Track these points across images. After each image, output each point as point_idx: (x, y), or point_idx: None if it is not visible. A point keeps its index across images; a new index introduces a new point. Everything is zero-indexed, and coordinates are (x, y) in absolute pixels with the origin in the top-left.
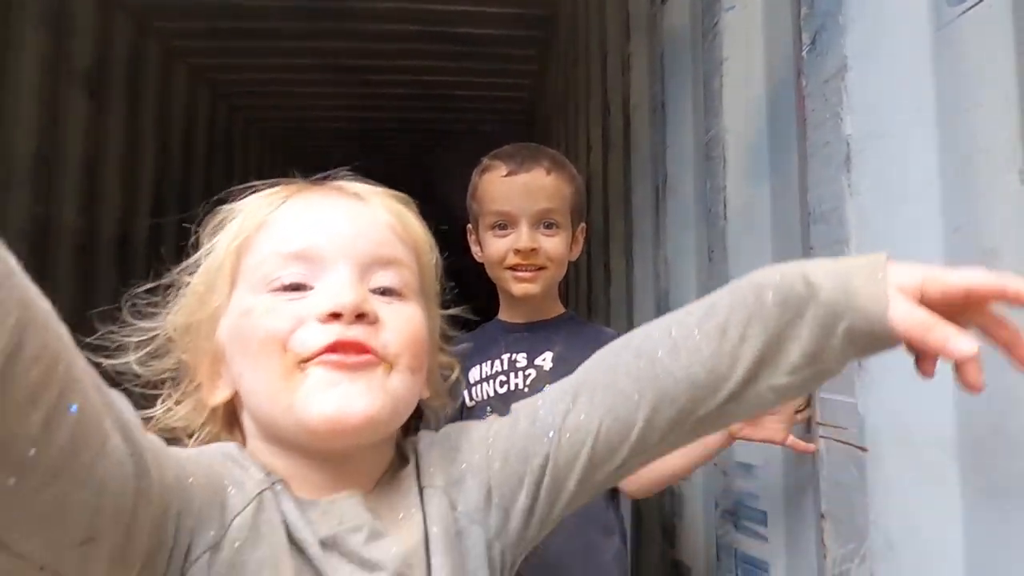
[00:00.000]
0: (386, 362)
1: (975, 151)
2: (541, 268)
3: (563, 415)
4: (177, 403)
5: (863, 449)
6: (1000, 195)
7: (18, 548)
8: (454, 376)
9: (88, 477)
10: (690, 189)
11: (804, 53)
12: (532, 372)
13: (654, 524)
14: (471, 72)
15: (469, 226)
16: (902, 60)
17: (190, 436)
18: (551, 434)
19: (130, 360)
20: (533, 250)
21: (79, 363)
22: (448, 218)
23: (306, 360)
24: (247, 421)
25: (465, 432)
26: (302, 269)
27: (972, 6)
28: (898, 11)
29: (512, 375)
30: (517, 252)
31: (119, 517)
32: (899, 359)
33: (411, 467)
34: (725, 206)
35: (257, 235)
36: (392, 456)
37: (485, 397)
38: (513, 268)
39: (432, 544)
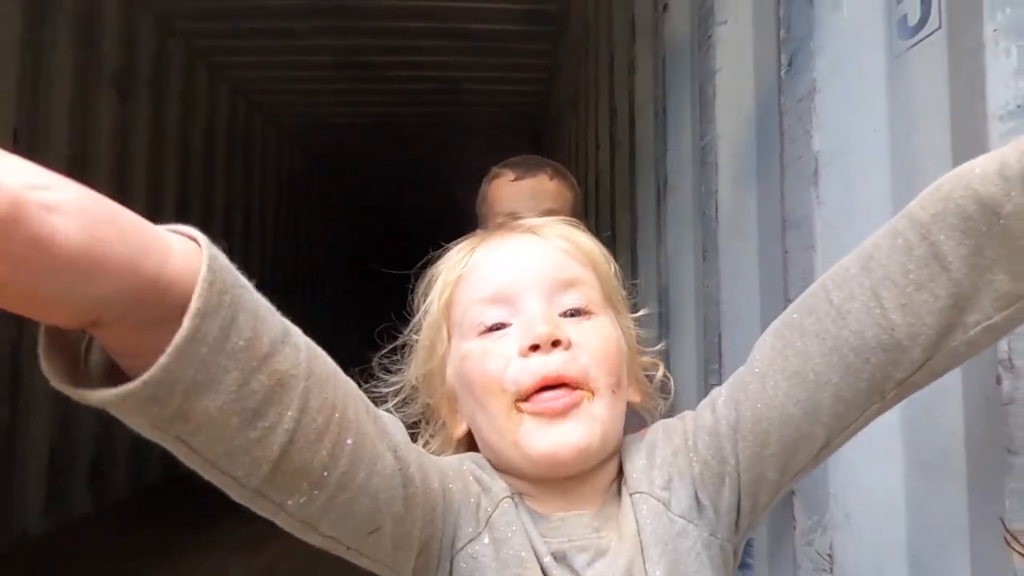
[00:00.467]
0: (587, 389)
1: (917, 171)
2: None
3: (737, 408)
4: (431, 437)
5: None
6: None
7: (328, 533)
8: (660, 374)
9: (365, 488)
10: (688, 190)
11: (783, 73)
12: None
13: None
14: (485, 67)
15: (478, 231)
16: (863, 84)
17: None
18: (732, 431)
19: (390, 407)
20: None
21: (352, 405)
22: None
23: (521, 399)
24: (484, 448)
25: (666, 434)
26: (500, 310)
27: (918, 41)
28: (860, 40)
29: None
30: None
31: (393, 516)
32: None
33: (619, 476)
34: (717, 209)
35: (457, 289)
36: (617, 468)
37: None
38: None
39: (646, 551)
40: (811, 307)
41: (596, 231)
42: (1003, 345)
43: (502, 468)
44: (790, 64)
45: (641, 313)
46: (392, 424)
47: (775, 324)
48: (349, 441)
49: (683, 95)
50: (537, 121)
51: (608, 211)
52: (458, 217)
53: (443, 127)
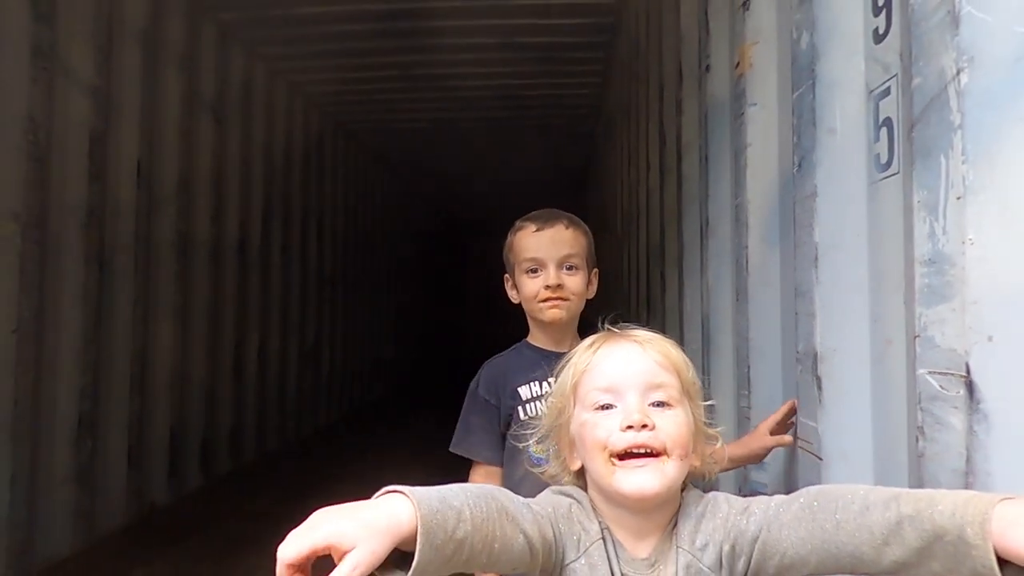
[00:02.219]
0: (665, 454)
1: (882, 274)
2: (566, 299)
3: (767, 528)
4: (558, 465)
5: (819, 458)
6: (893, 306)
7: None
8: (719, 444)
9: (507, 560)
10: (727, 236)
11: (794, 171)
12: None
13: None
14: (541, 75)
15: (506, 275)
16: (849, 197)
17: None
18: (752, 542)
19: (530, 444)
20: (559, 285)
21: (499, 524)
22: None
23: (615, 456)
24: (589, 480)
25: (713, 510)
26: (610, 396)
27: (885, 177)
28: (848, 162)
29: None
30: (547, 288)
31: (525, 565)
32: (846, 401)
33: (675, 525)
34: (747, 261)
35: (583, 376)
36: (674, 514)
37: (537, 414)
38: (544, 301)
39: None
40: (833, 508)
41: (648, 246)
42: (919, 418)
43: (601, 495)
44: (799, 166)
45: (709, 403)
46: (520, 511)
47: (810, 498)
48: (496, 545)
49: (723, 150)
50: (591, 122)
51: (658, 229)
52: (509, 213)
53: (501, 130)
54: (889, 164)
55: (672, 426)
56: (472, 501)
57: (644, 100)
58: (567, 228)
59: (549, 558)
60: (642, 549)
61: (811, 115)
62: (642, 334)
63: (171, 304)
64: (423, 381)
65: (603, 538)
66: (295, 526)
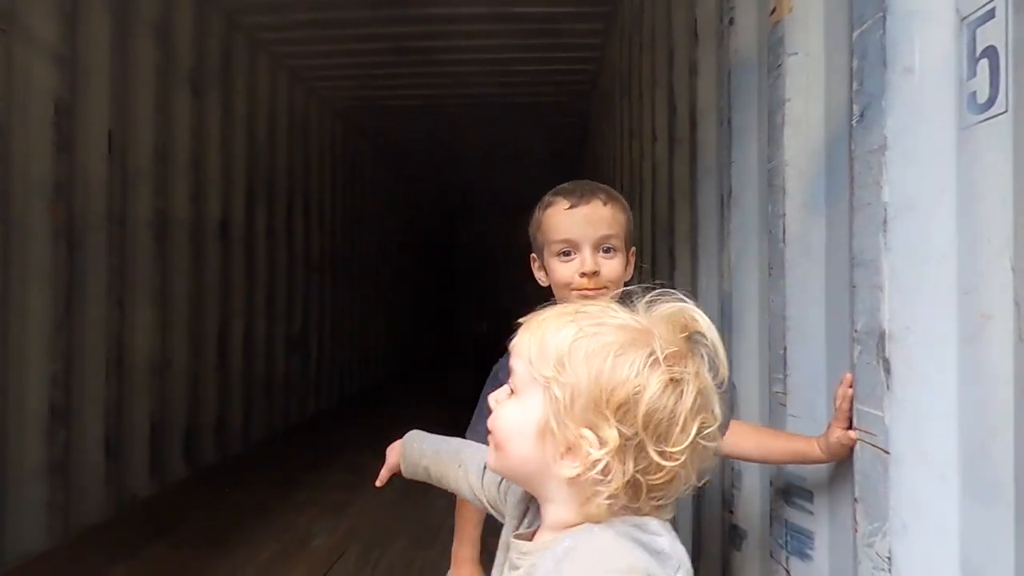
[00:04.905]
0: None
1: (980, 237)
2: (604, 288)
3: None
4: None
5: (887, 452)
6: (996, 274)
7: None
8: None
9: (461, 490)
10: (753, 204)
11: (854, 123)
12: None
13: (715, 492)
14: (534, 48)
15: (532, 255)
16: (931, 149)
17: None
18: None
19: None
20: (596, 273)
21: (448, 468)
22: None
23: None
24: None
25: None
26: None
27: (986, 119)
28: (929, 107)
29: None
30: (583, 275)
31: (474, 500)
32: (918, 388)
33: None
34: (784, 231)
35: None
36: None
37: None
38: (578, 290)
39: None
40: None
41: (653, 222)
42: None
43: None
44: (862, 116)
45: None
46: (472, 468)
47: None
48: (449, 481)
49: (749, 111)
50: (587, 98)
51: (666, 204)
52: (502, 195)
53: (493, 105)
54: (992, 103)
55: None
56: (441, 447)
57: (649, 68)
58: (605, 204)
59: (495, 505)
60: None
61: (879, 55)
62: None
63: (149, 287)
64: (414, 368)
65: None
66: (285, 518)
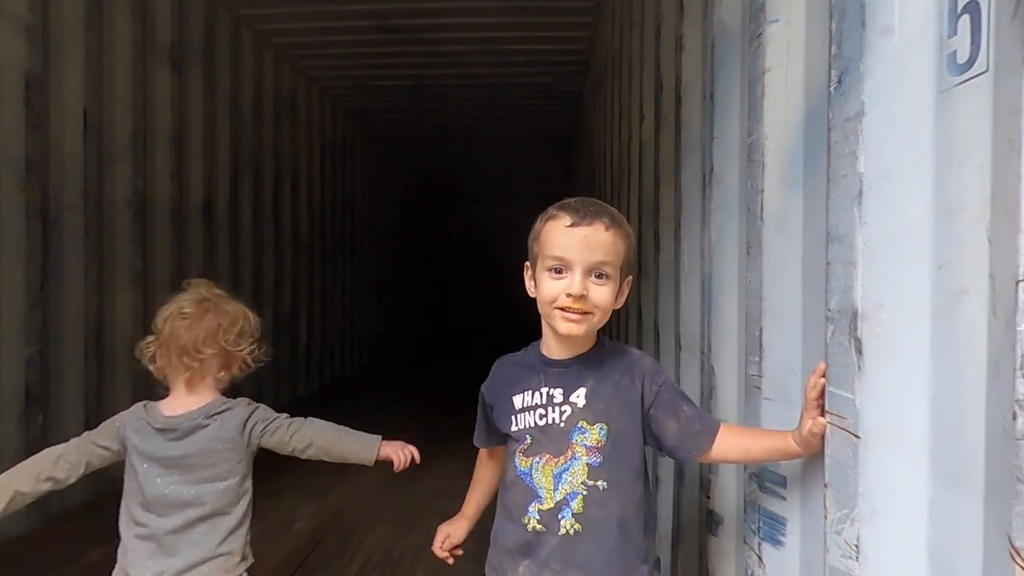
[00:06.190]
0: None
1: (957, 206)
2: (588, 313)
3: None
4: None
5: (857, 436)
6: (972, 246)
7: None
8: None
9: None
10: (734, 182)
11: (831, 89)
12: (567, 409)
13: (694, 478)
14: (526, 27)
15: (527, 263)
16: (908, 113)
17: None
18: None
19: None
20: (582, 296)
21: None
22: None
23: None
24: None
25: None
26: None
27: (966, 79)
28: (908, 69)
29: (550, 409)
30: (569, 296)
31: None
32: (890, 368)
33: None
34: (762, 208)
35: None
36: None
37: (527, 426)
38: (563, 309)
39: None
40: None
41: (639, 203)
42: (1022, 387)
43: None
44: (839, 82)
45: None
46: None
47: None
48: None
49: (731, 84)
50: (580, 79)
51: (652, 183)
52: (494, 178)
53: (485, 87)
54: (972, 62)
55: None
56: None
57: (639, 46)
58: (607, 230)
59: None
60: None
61: (858, 14)
62: None
63: (129, 268)
64: (406, 352)
65: None
66: (270, 501)
